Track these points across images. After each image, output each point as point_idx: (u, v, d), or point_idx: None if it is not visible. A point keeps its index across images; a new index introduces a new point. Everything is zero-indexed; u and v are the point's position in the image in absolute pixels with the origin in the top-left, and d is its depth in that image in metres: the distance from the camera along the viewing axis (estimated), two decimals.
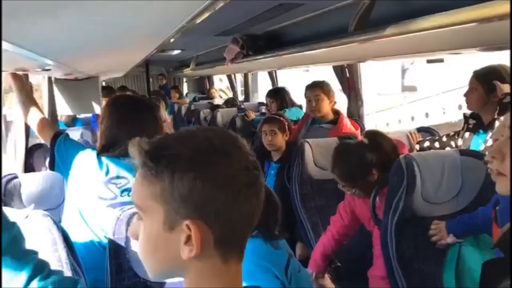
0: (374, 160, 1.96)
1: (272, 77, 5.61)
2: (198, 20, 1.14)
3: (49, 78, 2.93)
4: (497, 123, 2.11)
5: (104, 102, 3.54)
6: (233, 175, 0.69)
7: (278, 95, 4.14)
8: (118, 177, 1.77)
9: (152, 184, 0.69)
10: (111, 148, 1.79)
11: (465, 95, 2.35)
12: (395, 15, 1.84)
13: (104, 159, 1.78)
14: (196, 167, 0.68)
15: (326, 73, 3.73)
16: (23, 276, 0.83)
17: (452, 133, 2.53)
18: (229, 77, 7.21)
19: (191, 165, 0.68)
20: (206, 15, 1.05)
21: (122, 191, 1.76)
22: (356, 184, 2.00)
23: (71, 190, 1.82)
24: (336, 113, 3.11)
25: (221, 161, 0.69)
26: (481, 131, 2.30)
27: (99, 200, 1.75)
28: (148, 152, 0.70)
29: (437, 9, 1.50)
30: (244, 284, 0.77)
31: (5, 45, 1.06)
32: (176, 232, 0.69)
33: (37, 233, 1.09)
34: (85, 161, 1.79)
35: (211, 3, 0.92)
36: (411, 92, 14.34)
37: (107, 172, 1.77)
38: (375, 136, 2.03)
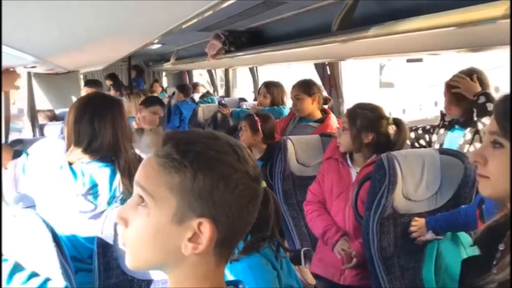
0: (376, 125, 2.09)
1: (253, 73, 5.61)
2: (187, 24, 1.14)
3: (29, 73, 2.89)
4: (480, 126, 2.17)
5: None
6: (247, 183, 0.72)
7: (276, 89, 3.82)
8: (95, 185, 1.68)
9: (170, 175, 0.69)
10: (81, 145, 1.70)
11: (445, 107, 2.40)
12: (378, 16, 1.87)
13: (77, 167, 1.67)
14: (221, 169, 0.70)
15: (307, 70, 3.73)
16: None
17: (428, 127, 2.57)
18: (209, 72, 7.18)
19: (216, 165, 0.70)
20: (196, 19, 1.05)
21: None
22: (355, 125, 2.10)
23: (43, 207, 1.68)
24: (324, 112, 3.09)
25: (240, 167, 0.71)
26: (456, 126, 2.36)
27: (80, 214, 1.67)
28: (176, 143, 0.71)
29: (418, 11, 1.54)
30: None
31: None
32: (184, 227, 0.70)
33: (28, 233, 1.09)
34: (58, 176, 1.67)
35: (205, 8, 0.92)
36: (388, 88, 14.48)
37: (83, 183, 1.67)
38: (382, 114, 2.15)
